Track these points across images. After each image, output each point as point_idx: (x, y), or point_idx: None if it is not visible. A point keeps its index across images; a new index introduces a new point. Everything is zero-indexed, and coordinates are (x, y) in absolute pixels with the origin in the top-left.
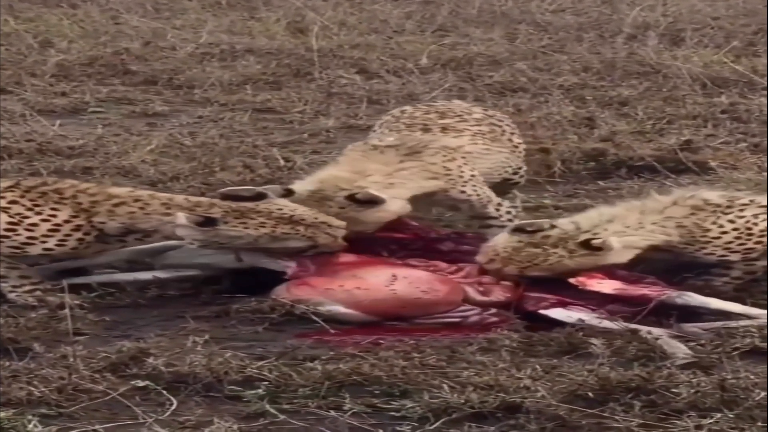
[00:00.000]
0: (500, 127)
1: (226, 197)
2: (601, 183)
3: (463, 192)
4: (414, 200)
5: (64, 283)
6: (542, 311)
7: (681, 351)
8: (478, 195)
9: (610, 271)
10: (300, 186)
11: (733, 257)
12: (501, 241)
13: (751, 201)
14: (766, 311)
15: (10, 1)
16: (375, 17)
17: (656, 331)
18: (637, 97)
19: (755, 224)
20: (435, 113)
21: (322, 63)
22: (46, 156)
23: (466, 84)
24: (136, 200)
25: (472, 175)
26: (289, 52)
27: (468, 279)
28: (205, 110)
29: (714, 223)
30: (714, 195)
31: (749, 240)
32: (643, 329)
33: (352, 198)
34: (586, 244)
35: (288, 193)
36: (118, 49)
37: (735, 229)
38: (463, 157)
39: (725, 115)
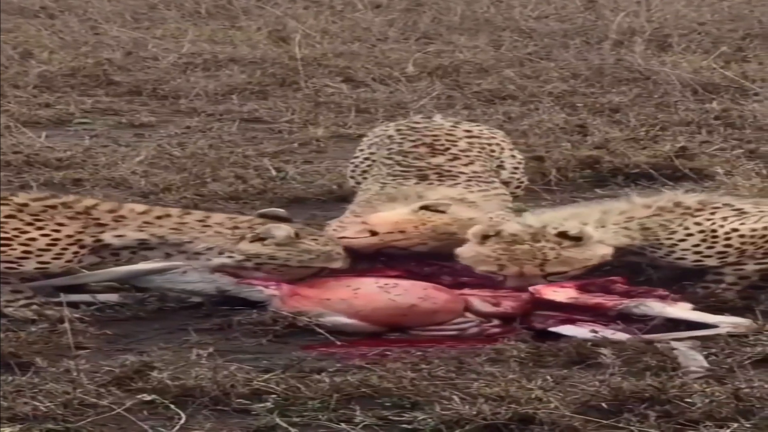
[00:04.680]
0: None
1: (263, 216)
2: (598, 191)
3: None
4: None
5: (62, 297)
6: (552, 328)
7: (696, 364)
8: None
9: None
10: None
11: (710, 262)
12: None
13: (726, 205)
14: (723, 318)
15: None
16: (357, 25)
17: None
18: (629, 104)
19: (721, 227)
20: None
21: (307, 72)
22: (35, 168)
23: (455, 92)
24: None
25: None
26: (273, 61)
27: (479, 291)
28: (192, 120)
29: (680, 225)
30: (690, 199)
31: (716, 243)
32: (663, 338)
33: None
34: (564, 235)
35: None
36: (100, 60)
37: (701, 232)
38: None
39: (718, 121)
